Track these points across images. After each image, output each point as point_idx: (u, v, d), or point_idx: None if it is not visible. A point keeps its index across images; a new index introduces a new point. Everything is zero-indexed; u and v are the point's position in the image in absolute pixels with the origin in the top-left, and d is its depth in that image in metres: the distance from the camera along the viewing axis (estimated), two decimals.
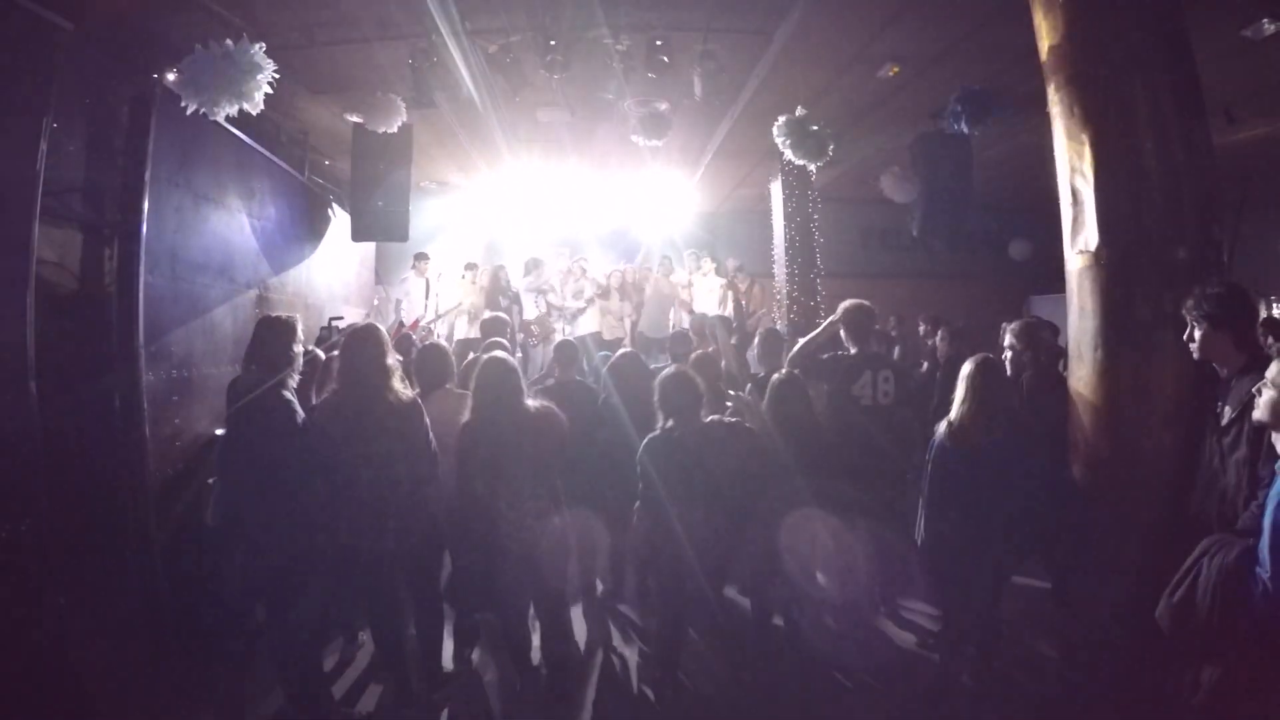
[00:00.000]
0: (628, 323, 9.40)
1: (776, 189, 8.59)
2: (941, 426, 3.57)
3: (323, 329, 6.67)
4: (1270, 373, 2.21)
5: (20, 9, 3.00)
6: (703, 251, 10.15)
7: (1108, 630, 3.20)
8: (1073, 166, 3.41)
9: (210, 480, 4.36)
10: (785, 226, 8.35)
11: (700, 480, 3.46)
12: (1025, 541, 3.52)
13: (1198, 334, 2.75)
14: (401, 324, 8.29)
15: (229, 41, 3.91)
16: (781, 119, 5.78)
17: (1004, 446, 3.40)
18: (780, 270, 8.63)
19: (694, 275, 9.74)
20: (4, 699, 2.83)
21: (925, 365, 6.21)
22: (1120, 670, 3.14)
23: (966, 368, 3.56)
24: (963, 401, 3.51)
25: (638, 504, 3.63)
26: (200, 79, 3.85)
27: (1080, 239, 3.39)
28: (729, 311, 9.06)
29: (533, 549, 3.46)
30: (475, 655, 4.12)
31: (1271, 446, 2.24)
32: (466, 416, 3.55)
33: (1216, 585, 2.20)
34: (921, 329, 7.78)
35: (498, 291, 9.14)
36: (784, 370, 4.27)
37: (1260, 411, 2.24)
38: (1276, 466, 2.14)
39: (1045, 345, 4.18)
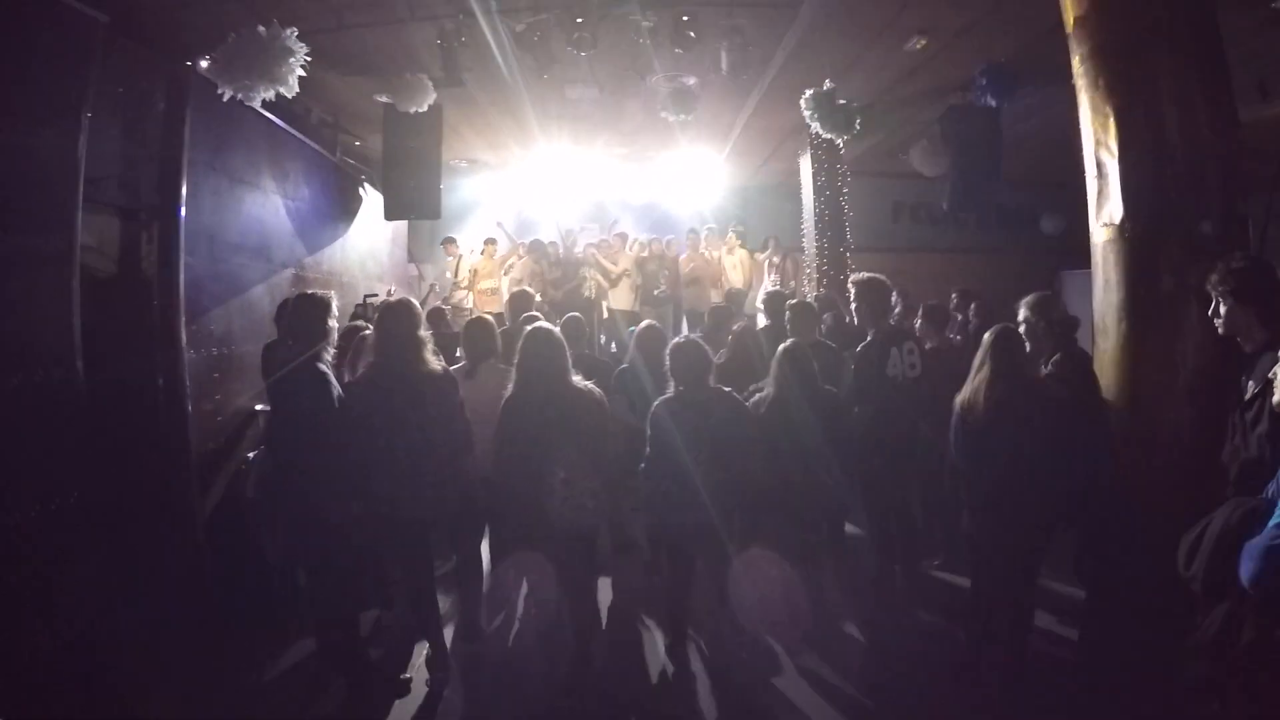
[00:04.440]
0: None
1: (806, 163, 8.53)
2: (957, 402, 3.54)
3: (358, 306, 6.84)
4: None
5: (58, 4, 3.11)
6: (738, 226, 10.12)
7: (1126, 604, 3.21)
8: (1097, 139, 3.40)
9: (250, 454, 4.55)
10: (815, 200, 8.30)
11: (702, 443, 3.57)
12: (1052, 512, 3.45)
13: (1223, 309, 2.72)
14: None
15: (261, 28, 4.00)
16: (809, 93, 5.74)
17: (1027, 418, 3.34)
18: (810, 244, 8.59)
19: (721, 251, 9.74)
20: (54, 660, 3.00)
21: (957, 338, 6.16)
22: (1135, 651, 3.15)
23: (987, 338, 3.55)
24: (978, 369, 3.50)
25: (642, 465, 3.75)
26: (235, 66, 3.97)
27: (1105, 212, 3.38)
28: (773, 285, 9.04)
29: (583, 528, 3.53)
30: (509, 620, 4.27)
31: None
32: (509, 391, 3.59)
33: (1218, 537, 2.22)
34: (953, 302, 7.73)
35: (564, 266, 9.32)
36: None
37: (1277, 394, 2.22)
38: None
39: (1058, 315, 4.12)
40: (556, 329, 3.71)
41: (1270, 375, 2.28)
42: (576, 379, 3.60)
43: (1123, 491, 3.27)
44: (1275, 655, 2.06)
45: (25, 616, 2.86)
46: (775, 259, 9.69)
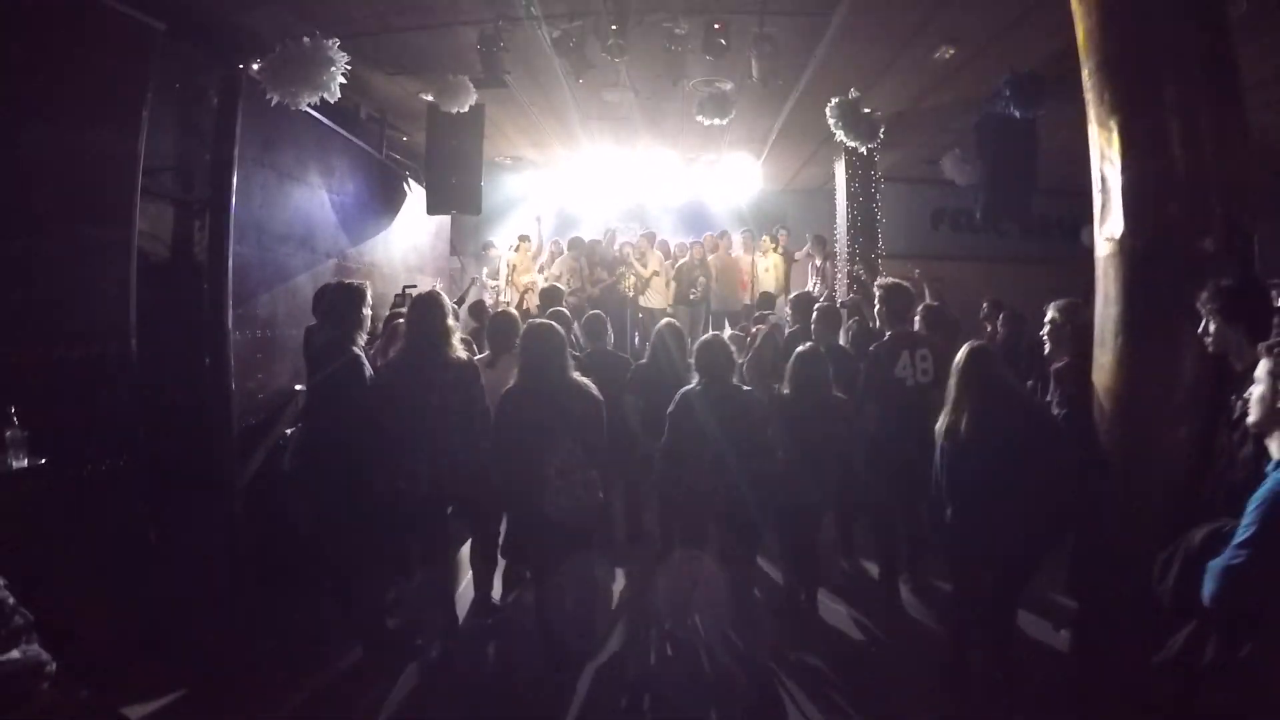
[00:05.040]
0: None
1: (840, 169, 8.57)
2: (939, 429, 3.49)
3: (397, 296, 7.13)
4: (1258, 370, 2.20)
5: (119, 14, 3.43)
6: (778, 230, 10.21)
7: (1116, 619, 3.23)
8: (1102, 153, 3.38)
9: (288, 430, 4.86)
10: (848, 206, 8.34)
11: (719, 435, 3.74)
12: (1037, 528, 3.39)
13: (1211, 327, 2.75)
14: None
15: (306, 39, 4.28)
16: (833, 101, 5.82)
17: (1006, 438, 3.29)
18: (842, 250, 8.64)
19: (754, 254, 9.85)
20: (98, 605, 3.30)
21: None
22: (1125, 662, 3.18)
23: (957, 361, 3.46)
24: (953, 394, 3.44)
25: (661, 442, 3.94)
26: (282, 74, 4.26)
27: (1107, 226, 3.36)
28: (814, 288, 9.12)
29: (576, 516, 3.62)
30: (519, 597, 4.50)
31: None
32: (511, 382, 3.77)
33: (1186, 556, 2.29)
34: (983, 311, 7.71)
35: (603, 264, 9.54)
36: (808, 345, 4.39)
37: (1250, 413, 2.24)
38: (1266, 469, 2.13)
39: (1085, 320, 4.13)
40: (556, 325, 3.85)
41: (1245, 396, 2.30)
42: (575, 374, 3.74)
43: (1117, 506, 3.25)
44: (1236, 674, 2.12)
45: (72, 567, 3.16)
46: (817, 262, 9.69)
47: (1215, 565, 2.09)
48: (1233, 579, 2.04)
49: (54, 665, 2.23)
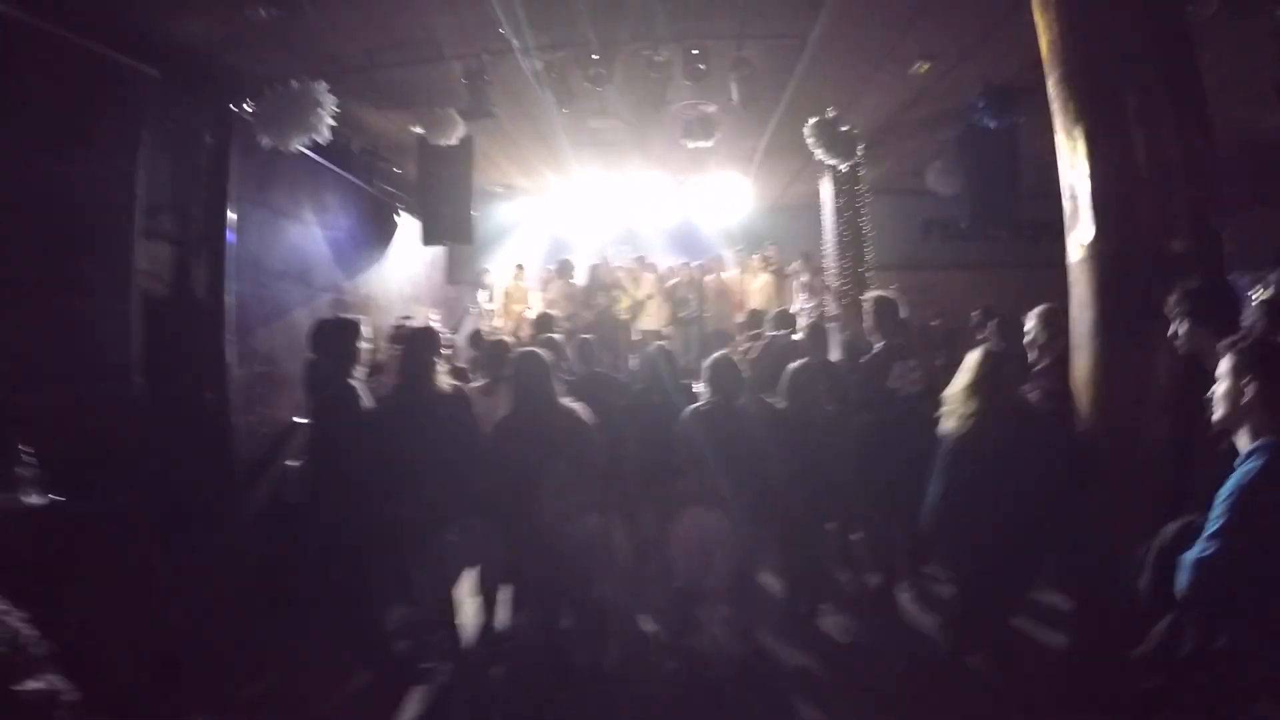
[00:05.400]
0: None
1: (826, 185, 8.67)
2: (955, 420, 3.50)
3: (394, 328, 7.23)
4: (1220, 367, 2.25)
5: (112, 62, 3.56)
6: (767, 249, 10.32)
7: (1109, 620, 3.25)
8: (1069, 161, 3.47)
9: (289, 462, 4.93)
10: (835, 222, 8.44)
11: (729, 450, 3.84)
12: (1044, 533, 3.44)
13: (1181, 330, 2.82)
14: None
15: (295, 82, 4.42)
16: (811, 121, 5.94)
17: (1020, 446, 3.34)
18: (830, 266, 8.72)
19: (744, 272, 9.96)
20: (115, 645, 3.35)
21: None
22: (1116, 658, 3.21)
23: (971, 364, 3.51)
24: (967, 399, 3.46)
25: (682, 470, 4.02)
26: (272, 118, 4.41)
27: (1077, 232, 3.45)
28: (803, 305, 9.21)
29: (569, 542, 3.70)
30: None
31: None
32: (504, 411, 3.89)
33: (1160, 551, 2.35)
34: (974, 320, 7.79)
35: (597, 288, 9.65)
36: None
37: (1215, 410, 2.27)
38: (1235, 463, 2.17)
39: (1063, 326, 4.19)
40: (542, 351, 3.95)
41: (1204, 396, 2.35)
42: (564, 400, 3.85)
43: (1102, 506, 3.29)
44: (1213, 666, 2.16)
45: (85, 600, 3.22)
46: (805, 278, 9.76)
47: (1187, 558, 2.14)
48: (1204, 570, 2.08)
49: (72, 694, 2.28)
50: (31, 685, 2.16)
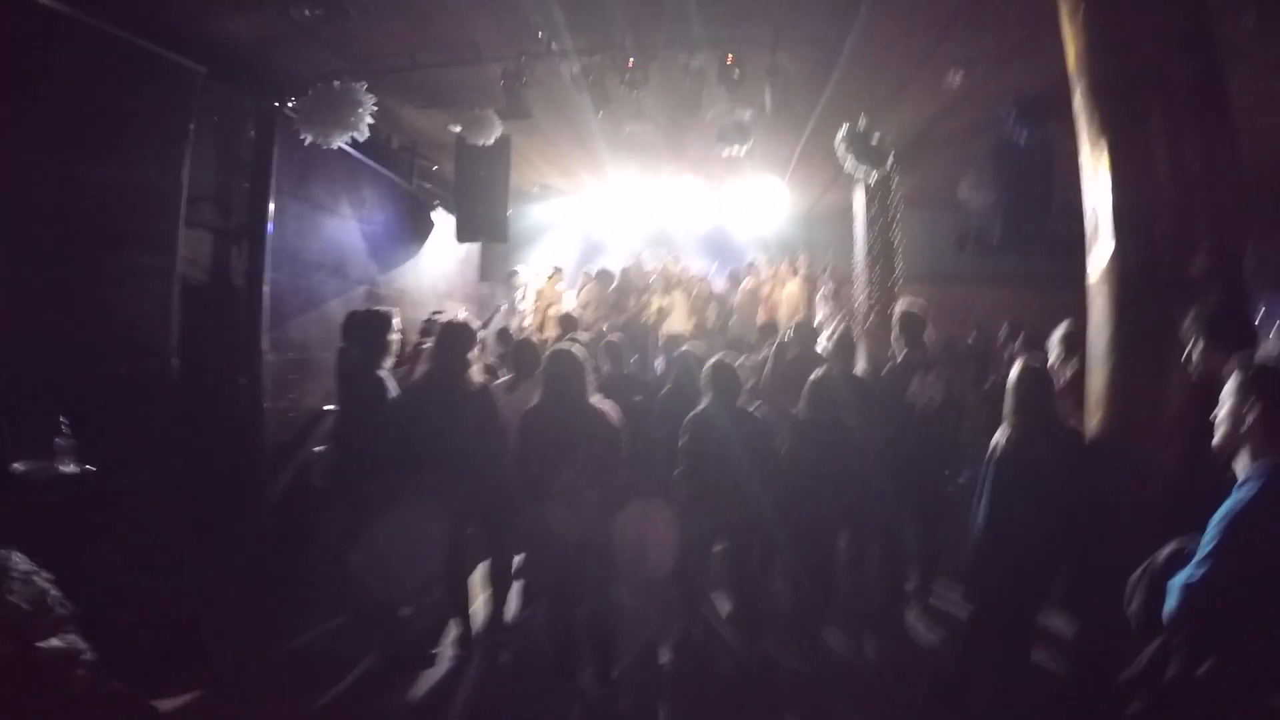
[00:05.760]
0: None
1: (859, 195, 8.64)
2: (999, 436, 3.48)
3: (425, 322, 7.39)
4: (1227, 386, 2.23)
5: (164, 59, 3.74)
6: (796, 258, 10.31)
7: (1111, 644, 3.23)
8: (1092, 175, 3.42)
9: (316, 448, 5.09)
10: (866, 233, 8.40)
11: (724, 452, 3.94)
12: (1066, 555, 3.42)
13: (1196, 350, 2.80)
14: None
15: (336, 82, 4.58)
16: (842, 130, 5.94)
17: (1051, 458, 3.32)
18: (860, 277, 8.68)
19: (774, 280, 9.98)
20: (138, 613, 3.52)
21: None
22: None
23: (1012, 380, 3.49)
24: (1010, 415, 3.45)
25: (678, 470, 4.11)
26: (314, 116, 4.58)
27: (1096, 249, 3.40)
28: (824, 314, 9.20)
29: (588, 536, 3.73)
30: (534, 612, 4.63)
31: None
32: (533, 403, 3.93)
33: (1151, 575, 2.34)
34: (1001, 336, 7.73)
35: (629, 290, 9.74)
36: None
37: (1216, 432, 2.25)
38: (1234, 488, 2.14)
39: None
40: (577, 349, 3.93)
41: (1211, 419, 2.31)
42: (595, 398, 3.87)
43: (1116, 526, 3.22)
44: (1196, 692, 2.14)
45: (112, 567, 3.38)
46: (828, 289, 9.68)
47: (1175, 583, 2.13)
48: (1191, 595, 2.08)
49: (91, 655, 2.42)
50: (54, 643, 2.32)
